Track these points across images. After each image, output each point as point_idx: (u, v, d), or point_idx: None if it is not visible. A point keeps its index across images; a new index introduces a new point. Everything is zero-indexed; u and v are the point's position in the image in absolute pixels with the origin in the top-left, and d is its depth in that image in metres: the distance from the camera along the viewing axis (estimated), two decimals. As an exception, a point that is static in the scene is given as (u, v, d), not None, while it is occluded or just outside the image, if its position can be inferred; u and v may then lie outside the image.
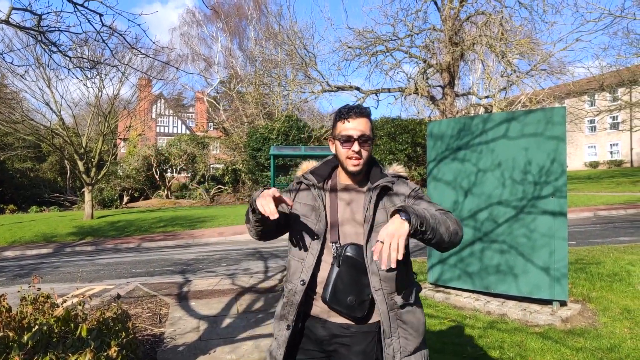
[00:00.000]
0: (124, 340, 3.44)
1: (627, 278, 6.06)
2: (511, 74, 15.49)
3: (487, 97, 18.19)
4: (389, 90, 17.95)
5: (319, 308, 1.87)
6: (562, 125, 4.93)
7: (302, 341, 1.90)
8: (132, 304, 6.04)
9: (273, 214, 1.64)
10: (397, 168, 1.99)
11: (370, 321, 1.84)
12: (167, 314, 5.56)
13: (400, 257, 1.46)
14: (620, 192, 20.50)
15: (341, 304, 1.77)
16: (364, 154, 1.83)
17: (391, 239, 1.47)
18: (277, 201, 1.71)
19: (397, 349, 1.78)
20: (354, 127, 1.81)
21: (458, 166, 5.68)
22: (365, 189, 1.89)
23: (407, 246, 1.83)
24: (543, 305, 5.07)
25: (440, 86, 17.93)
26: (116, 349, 3.02)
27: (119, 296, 4.57)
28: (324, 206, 1.88)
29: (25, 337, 2.85)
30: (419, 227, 1.56)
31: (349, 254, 1.79)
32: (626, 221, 12.89)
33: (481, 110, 20.18)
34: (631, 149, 38.82)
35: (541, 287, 4.95)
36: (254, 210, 1.76)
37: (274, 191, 1.69)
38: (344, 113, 1.85)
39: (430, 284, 6.03)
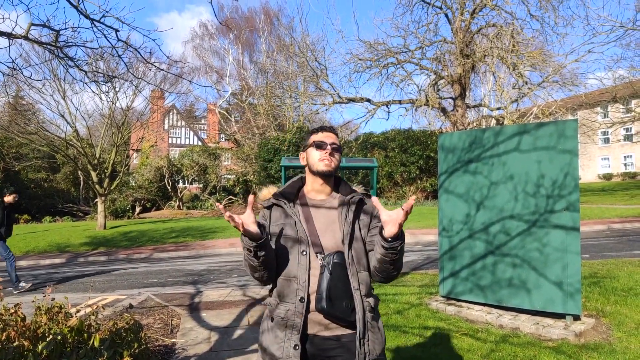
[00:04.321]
0: (136, 350, 3.47)
1: (642, 292, 5.98)
2: (523, 85, 15.46)
3: (498, 109, 18.15)
4: (399, 102, 18.00)
5: (308, 323, 1.90)
6: (575, 138, 4.91)
7: None
8: (144, 314, 6.08)
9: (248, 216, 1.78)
10: (359, 188, 2.14)
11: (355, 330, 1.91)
12: (179, 324, 5.59)
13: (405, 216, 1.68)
14: (635, 204, 20.24)
15: (338, 309, 1.84)
16: (335, 158, 2.03)
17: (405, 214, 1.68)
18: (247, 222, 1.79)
19: (367, 351, 1.87)
20: (326, 136, 2.06)
21: (470, 179, 5.67)
22: (336, 201, 2.05)
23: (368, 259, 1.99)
24: (556, 320, 5.02)
25: (451, 98, 17.95)
26: (128, 359, 3.05)
27: (131, 306, 4.61)
28: (300, 221, 1.98)
29: (40, 347, 2.89)
30: (398, 246, 1.76)
31: (336, 260, 1.88)
32: (641, 234, 12.72)
33: (493, 122, 20.12)
34: (645, 161, 38.36)
35: (554, 301, 4.90)
36: (255, 247, 1.81)
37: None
38: (317, 128, 2.12)
39: (442, 297, 5.99)
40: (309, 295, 1.89)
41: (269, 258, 1.87)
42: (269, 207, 2.07)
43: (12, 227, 9.00)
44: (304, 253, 1.92)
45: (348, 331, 1.90)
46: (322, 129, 2.10)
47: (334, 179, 2.12)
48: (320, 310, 1.85)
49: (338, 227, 1.96)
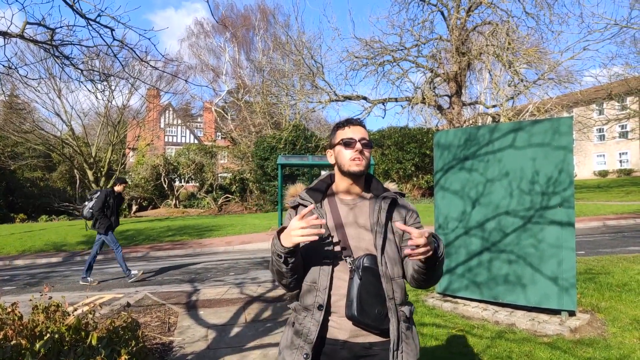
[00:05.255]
0: (134, 348, 3.48)
1: (637, 288, 6.02)
2: (518, 83, 15.50)
3: (494, 106, 18.21)
4: (396, 100, 18.00)
5: (336, 329, 1.81)
6: (569, 135, 4.94)
7: None
8: (141, 312, 6.08)
9: (320, 225, 1.68)
10: (391, 185, 2.02)
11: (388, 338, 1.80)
12: (176, 322, 5.59)
13: (422, 258, 1.58)
14: (630, 201, 20.34)
15: (370, 317, 1.74)
16: (366, 155, 1.88)
17: (429, 247, 1.57)
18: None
19: None
20: (354, 131, 1.90)
21: (465, 176, 5.70)
22: (367, 201, 1.92)
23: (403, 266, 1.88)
24: (552, 315, 5.05)
25: (447, 95, 17.97)
26: (126, 357, 3.06)
27: (128, 305, 4.63)
28: (327, 223, 1.86)
29: (38, 345, 2.89)
30: (438, 260, 1.66)
31: (367, 264, 1.76)
32: (636, 231, 12.79)
33: (488, 120, 20.18)
34: (641, 157, 38.53)
35: (550, 297, 4.94)
36: (286, 254, 1.72)
37: (298, 219, 1.66)
38: (343, 122, 1.95)
39: (438, 293, 6.02)
40: (329, 303, 1.81)
41: (297, 264, 1.79)
42: (296, 207, 1.95)
43: (118, 216, 9.10)
44: (327, 258, 1.82)
45: (380, 339, 1.80)
46: (349, 122, 1.94)
47: (365, 176, 1.98)
48: (350, 317, 1.75)
49: (369, 229, 1.84)
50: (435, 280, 1.80)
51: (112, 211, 8.72)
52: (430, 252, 1.59)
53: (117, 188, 8.89)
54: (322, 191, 1.97)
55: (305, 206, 1.90)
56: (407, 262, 1.84)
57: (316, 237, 1.67)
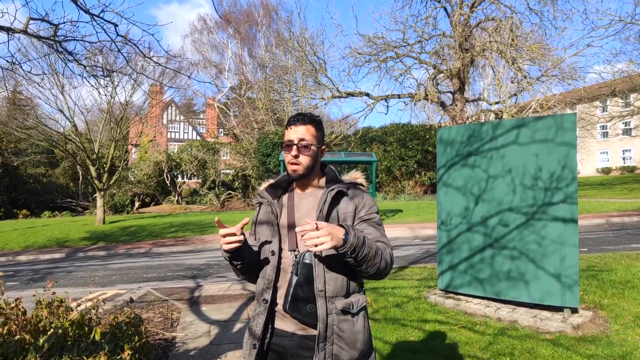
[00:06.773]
0: (137, 344, 3.49)
1: (640, 285, 6.01)
2: (522, 79, 15.45)
3: (497, 103, 18.15)
4: (398, 96, 17.96)
5: (284, 322, 1.87)
6: (573, 131, 4.93)
7: (270, 357, 1.90)
8: (144, 308, 6.10)
9: (238, 234, 1.75)
10: (355, 175, 2.00)
11: None
12: (179, 318, 5.61)
13: (314, 250, 1.59)
14: (633, 198, 20.27)
15: (301, 312, 1.77)
16: (303, 159, 1.84)
17: (323, 235, 1.57)
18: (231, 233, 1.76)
19: (329, 356, 1.75)
20: (293, 132, 1.86)
21: (468, 172, 5.69)
22: (320, 194, 1.91)
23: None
24: (554, 312, 5.05)
25: (450, 92, 17.92)
26: (129, 352, 3.07)
27: (131, 300, 4.64)
28: (277, 221, 1.90)
29: (41, 340, 2.91)
30: (348, 253, 1.64)
31: (306, 261, 1.79)
32: (639, 228, 12.76)
33: (491, 117, 20.12)
34: (644, 155, 38.38)
35: (552, 294, 4.93)
36: (230, 257, 1.83)
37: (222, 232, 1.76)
38: (289, 121, 1.91)
39: (441, 290, 6.02)
40: (275, 297, 1.87)
41: (247, 265, 1.88)
42: (259, 204, 2.00)
43: None
44: (273, 253, 1.87)
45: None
46: (291, 121, 1.89)
47: (321, 166, 1.98)
48: (284, 310, 1.80)
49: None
50: (370, 275, 1.78)
51: None
52: (328, 245, 1.57)
53: None
54: (283, 187, 1.99)
55: (264, 204, 1.97)
56: None
57: (239, 243, 1.75)
